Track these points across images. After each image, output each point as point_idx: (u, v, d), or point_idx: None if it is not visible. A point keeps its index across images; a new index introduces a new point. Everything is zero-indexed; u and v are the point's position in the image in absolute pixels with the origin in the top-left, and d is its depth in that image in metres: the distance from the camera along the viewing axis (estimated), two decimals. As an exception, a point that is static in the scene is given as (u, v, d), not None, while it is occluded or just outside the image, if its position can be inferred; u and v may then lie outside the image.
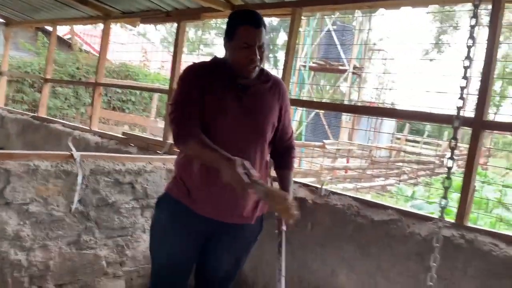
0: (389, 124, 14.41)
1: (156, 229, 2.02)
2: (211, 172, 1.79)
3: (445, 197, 1.20)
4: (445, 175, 1.22)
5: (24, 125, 5.60)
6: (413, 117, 2.60)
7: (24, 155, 2.35)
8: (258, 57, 1.78)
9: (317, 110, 14.08)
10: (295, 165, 2.26)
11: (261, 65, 1.85)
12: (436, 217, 2.15)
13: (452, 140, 1.18)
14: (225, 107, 1.85)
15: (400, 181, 10.60)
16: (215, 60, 1.94)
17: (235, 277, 2.14)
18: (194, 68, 1.92)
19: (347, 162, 11.40)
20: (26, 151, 2.45)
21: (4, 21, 6.38)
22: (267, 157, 2.01)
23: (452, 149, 1.18)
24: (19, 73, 9.22)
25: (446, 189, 1.20)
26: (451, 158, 1.19)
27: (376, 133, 13.93)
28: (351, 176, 10.40)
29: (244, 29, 1.76)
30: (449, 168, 1.19)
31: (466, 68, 1.16)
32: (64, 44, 11.97)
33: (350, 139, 12.92)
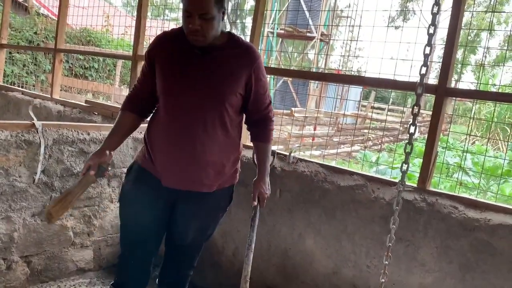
0: (355, 92, 14.59)
1: (123, 197, 2.05)
2: (170, 139, 1.87)
3: (406, 162, 1.23)
4: (407, 141, 1.26)
5: (-20, 93, 5.34)
6: (379, 84, 2.63)
7: (-19, 125, 2.25)
8: (199, 26, 1.71)
9: (286, 78, 14.09)
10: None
11: (209, 34, 1.75)
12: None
13: (415, 107, 1.20)
14: (178, 72, 1.86)
15: (365, 147, 10.84)
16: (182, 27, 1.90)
17: (202, 245, 2.17)
18: (154, 40, 1.98)
19: (315, 129, 11.54)
20: (-17, 121, 2.35)
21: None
22: (235, 127, 1.96)
23: (415, 115, 1.21)
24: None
25: (407, 154, 1.24)
26: (413, 124, 1.21)
27: (343, 100, 14.09)
28: (318, 143, 10.56)
29: None
30: (411, 134, 1.22)
31: (430, 35, 1.17)
32: (20, 7, 11.32)
33: (317, 107, 13.04)
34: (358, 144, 11.86)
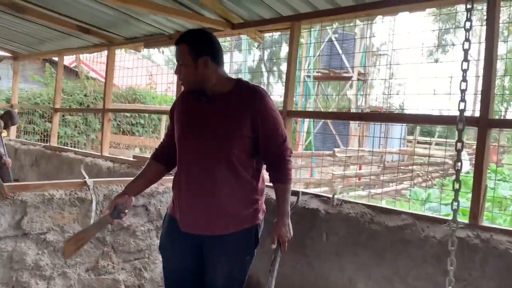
0: (398, 128, 14.35)
1: (160, 246, 2.13)
2: (182, 187, 1.96)
3: (455, 199, 1.20)
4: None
5: (37, 155, 5.70)
6: (420, 120, 2.60)
7: (39, 186, 2.40)
8: (178, 71, 1.92)
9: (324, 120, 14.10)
10: (297, 175, 2.12)
11: (189, 80, 1.90)
12: (450, 219, 2.15)
13: (458, 143, 1.19)
14: (186, 122, 2.00)
15: (414, 184, 10.51)
16: None
17: None
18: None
19: (359, 169, 11.34)
20: (40, 182, 2.50)
21: (12, 55, 6.54)
22: (250, 169, 1.94)
23: (458, 151, 1.19)
24: (29, 105, 9.40)
25: (456, 192, 1.21)
26: (458, 160, 1.20)
27: (387, 139, 13.87)
28: (364, 183, 10.35)
29: None
30: (457, 171, 1.20)
31: (464, 71, 1.18)
32: (71, 72, 12.19)
33: (360, 146, 12.88)
34: (406, 181, 11.51)
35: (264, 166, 2.04)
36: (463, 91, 1.16)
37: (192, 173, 1.94)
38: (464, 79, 1.18)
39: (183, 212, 1.96)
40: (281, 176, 1.97)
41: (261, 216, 2.00)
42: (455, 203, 1.26)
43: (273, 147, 1.94)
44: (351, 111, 12.09)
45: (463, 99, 1.16)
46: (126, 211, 1.99)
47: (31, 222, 2.32)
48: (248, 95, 1.90)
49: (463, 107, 1.18)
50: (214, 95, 1.91)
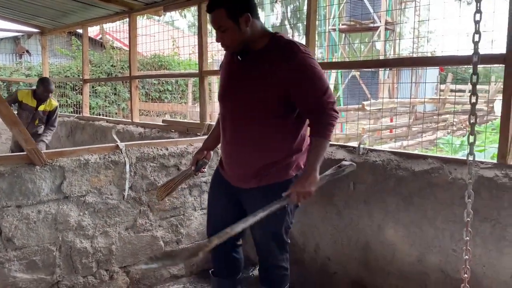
0: (430, 77, 13.92)
1: (208, 195, 2.35)
2: (223, 140, 2.11)
3: (472, 133, 1.20)
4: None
5: (71, 126, 5.91)
6: (442, 62, 2.54)
7: (74, 151, 2.52)
8: (220, 39, 1.88)
9: (353, 73, 13.81)
10: (335, 130, 2.06)
11: (232, 43, 1.88)
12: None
13: (473, 76, 1.18)
14: (223, 79, 2.09)
15: (448, 133, 10.29)
16: None
17: (270, 243, 2.13)
18: None
19: (391, 121, 11.15)
20: (75, 148, 2.62)
21: (39, 30, 6.67)
22: (284, 125, 1.95)
23: (474, 85, 1.18)
24: (60, 78, 9.65)
25: (472, 125, 1.21)
26: (474, 94, 1.19)
27: (418, 88, 13.48)
28: (397, 135, 10.20)
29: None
30: (473, 104, 1.19)
31: (477, 1, 1.14)
32: (97, 44, 12.34)
33: (390, 98, 12.60)
34: (440, 131, 11.27)
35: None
36: (477, 23, 1.13)
37: (228, 130, 2.05)
38: (479, 11, 1.15)
39: (224, 165, 2.13)
40: (316, 129, 1.91)
41: (293, 172, 2.02)
42: (472, 137, 1.25)
43: (311, 102, 1.88)
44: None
45: (477, 31, 1.13)
46: (208, 162, 2.36)
47: (70, 185, 2.45)
48: (283, 50, 1.86)
49: (477, 39, 1.15)
50: (250, 52, 1.92)
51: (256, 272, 3.15)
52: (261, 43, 1.90)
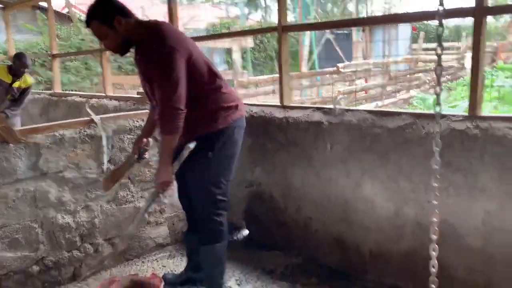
0: (402, 37, 13.98)
1: None
2: None
3: (438, 83, 1.23)
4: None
5: (43, 104, 5.77)
6: (410, 18, 2.55)
7: (48, 127, 2.48)
8: (105, 45, 2.18)
9: (327, 36, 13.76)
10: (302, 96, 2.19)
11: (112, 46, 2.14)
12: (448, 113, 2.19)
13: (439, 27, 1.19)
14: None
15: (421, 91, 10.45)
16: None
17: (197, 194, 2.31)
18: None
19: (366, 82, 11.24)
20: (48, 123, 2.58)
21: (1, 6, 6.39)
22: (190, 101, 2.09)
23: (439, 37, 1.20)
24: (28, 54, 9.32)
25: (438, 76, 1.24)
26: (439, 45, 1.21)
27: (391, 47, 13.55)
28: (372, 96, 10.31)
29: None
30: (439, 56, 1.22)
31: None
32: (64, 18, 11.91)
33: (365, 59, 12.66)
34: (414, 89, 11.44)
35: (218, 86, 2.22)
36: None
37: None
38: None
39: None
40: (159, 125, 2.11)
41: (211, 125, 2.19)
42: (438, 87, 1.28)
43: (158, 96, 2.06)
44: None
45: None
46: (148, 149, 2.40)
47: (47, 162, 2.42)
48: (144, 44, 2.09)
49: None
50: (135, 46, 2.15)
51: (239, 236, 3.22)
52: (137, 36, 2.11)
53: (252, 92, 8.20)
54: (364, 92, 10.19)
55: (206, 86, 2.18)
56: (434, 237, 1.33)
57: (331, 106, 2.72)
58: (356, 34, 12.97)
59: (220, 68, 11.86)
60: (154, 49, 2.02)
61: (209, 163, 2.19)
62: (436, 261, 1.32)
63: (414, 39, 16.19)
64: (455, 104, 4.80)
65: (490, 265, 2.11)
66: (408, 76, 11.71)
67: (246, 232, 3.14)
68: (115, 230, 2.76)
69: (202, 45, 8.89)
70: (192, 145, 2.14)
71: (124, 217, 2.79)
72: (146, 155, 2.42)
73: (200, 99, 2.17)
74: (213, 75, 2.20)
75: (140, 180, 2.84)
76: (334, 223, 2.71)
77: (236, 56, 9.21)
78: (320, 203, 2.76)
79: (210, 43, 9.41)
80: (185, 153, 2.14)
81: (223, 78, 2.29)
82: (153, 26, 2.11)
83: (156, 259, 2.92)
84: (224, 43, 9.49)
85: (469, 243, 2.16)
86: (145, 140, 2.40)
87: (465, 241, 2.17)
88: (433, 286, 1.33)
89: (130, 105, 4.29)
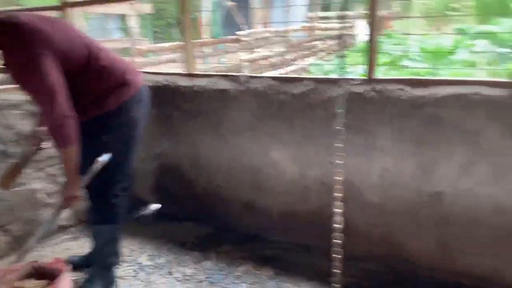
0: (300, 7, 14.32)
1: None
2: None
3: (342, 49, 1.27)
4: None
5: None
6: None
7: None
8: None
9: (226, 3, 13.61)
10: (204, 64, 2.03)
11: None
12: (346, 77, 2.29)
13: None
14: None
15: (318, 58, 10.87)
16: None
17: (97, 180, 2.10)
18: None
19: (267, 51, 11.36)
20: None
21: None
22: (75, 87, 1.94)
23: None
24: None
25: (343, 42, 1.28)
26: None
27: (290, 16, 13.82)
28: (273, 64, 10.48)
29: None
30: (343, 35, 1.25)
31: None
32: None
33: (265, 27, 12.78)
34: (311, 57, 11.86)
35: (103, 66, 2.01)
36: None
37: None
38: None
39: None
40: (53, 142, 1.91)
41: (102, 110, 2.03)
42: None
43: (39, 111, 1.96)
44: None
45: None
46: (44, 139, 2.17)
47: None
48: (5, 48, 1.77)
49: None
50: None
51: (149, 210, 3.14)
52: None
53: (153, 61, 7.88)
54: (265, 60, 10.33)
55: (88, 72, 1.97)
56: (337, 195, 1.39)
57: (236, 73, 2.70)
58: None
59: (116, 36, 11.19)
60: (18, 57, 1.75)
61: (106, 147, 2.03)
62: (339, 218, 1.39)
63: (311, 9, 16.68)
64: (351, 70, 5.07)
65: (389, 218, 2.30)
66: (306, 44, 12.09)
67: (156, 206, 3.07)
68: (8, 217, 2.51)
69: (94, 10, 8.28)
70: (104, 158, 1.98)
71: (18, 202, 2.55)
72: (45, 145, 2.20)
73: (84, 87, 1.99)
74: (94, 56, 1.98)
75: (34, 159, 2.59)
76: (244, 189, 2.75)
77: (133, 23, 8.73)
78: (229, 171, 2.77)
79: (101, 9, 8.75)
80: (96, 166, 1.97)
81: (108, 53, 2.07)
82: (13, 28, 1.76)
83: (56, 243, 2.73)
84: (118, 8, 8.91)
85: (369, 198, 2.32)
86: (42, 128, 2.13)
87: (365, 197, 2.33)
88: (337, 241, 1.40)
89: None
